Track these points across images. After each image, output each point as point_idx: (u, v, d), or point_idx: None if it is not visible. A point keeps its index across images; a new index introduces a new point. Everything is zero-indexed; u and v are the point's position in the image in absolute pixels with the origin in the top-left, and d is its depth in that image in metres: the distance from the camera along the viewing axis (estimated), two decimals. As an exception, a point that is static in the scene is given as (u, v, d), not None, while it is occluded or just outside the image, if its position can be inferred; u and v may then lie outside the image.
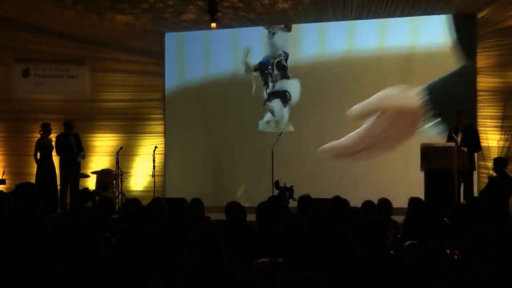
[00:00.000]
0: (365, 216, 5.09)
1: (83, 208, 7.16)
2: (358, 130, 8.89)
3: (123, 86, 11.32)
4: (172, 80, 11.51)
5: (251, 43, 11.02)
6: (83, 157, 10.06)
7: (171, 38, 11.54)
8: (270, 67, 7.70)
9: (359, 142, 8.55)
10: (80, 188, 10.11)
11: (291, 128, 8.56)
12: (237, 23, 10.80)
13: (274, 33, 7.76)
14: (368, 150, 8.96)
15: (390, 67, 10.34)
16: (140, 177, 11.21)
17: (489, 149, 9.29)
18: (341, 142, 8.54)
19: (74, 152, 9.92)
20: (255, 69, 7.75)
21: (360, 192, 8.13)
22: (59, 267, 2.47)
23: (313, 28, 10.59)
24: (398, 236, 5.28)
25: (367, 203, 5.79)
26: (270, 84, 7.95)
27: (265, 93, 8.14)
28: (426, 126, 9.31)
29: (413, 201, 5.84)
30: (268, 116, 7.41)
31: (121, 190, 10.35)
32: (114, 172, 10.36)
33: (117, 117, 11.27)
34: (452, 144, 8.28)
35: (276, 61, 7.69)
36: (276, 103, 7.37)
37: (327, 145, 8.77)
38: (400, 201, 6.22)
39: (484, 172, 9.36)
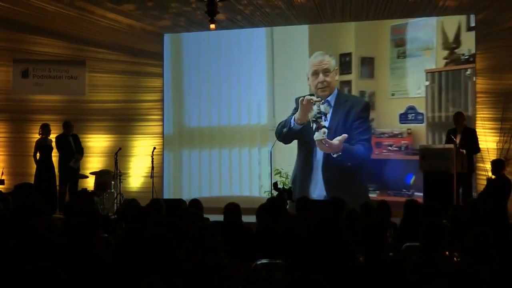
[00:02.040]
0: (364, 217, 5.10)
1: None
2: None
3: (122, 87, 11.32)
4: (171, 82, 11.51)
5: (251, 43, 11.15)
6: (76, 162, 10.05)
7: (170, 39, 11.54)
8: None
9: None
10: (79, 188, 10.11)
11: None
12: (236, 25, 10.83)
13: (319, 105, 9.93)
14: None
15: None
16: (138, 178, 11.21)
17: (488, 151, 9.29)
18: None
19: (74, 152, 9.94)
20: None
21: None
22: (57, 269, 2.46)
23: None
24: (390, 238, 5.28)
25: (366, 205, 5.79)
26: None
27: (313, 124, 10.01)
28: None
29: (409, 203, 5.84)
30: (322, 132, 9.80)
31: (120, 190, 10.34)
32: (112, 173, 10.36)
33: (116, 118, 11.26)
34: (451, 146, 8.29)
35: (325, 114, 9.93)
36: (325, 129, 9.77)
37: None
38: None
39: (482, 174, 9.36)
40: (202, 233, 3.37)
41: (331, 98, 9.97)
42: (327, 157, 9.85)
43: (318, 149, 9.97)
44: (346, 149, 9.54)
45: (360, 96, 10.45)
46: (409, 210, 5.68)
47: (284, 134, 9.96)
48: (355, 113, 9.79)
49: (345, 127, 9.72)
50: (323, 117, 9.73)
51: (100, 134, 11.21)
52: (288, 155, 10.02)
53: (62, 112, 10.88)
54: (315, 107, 9.73)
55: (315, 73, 10.13)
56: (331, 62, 10.21)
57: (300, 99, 9.87)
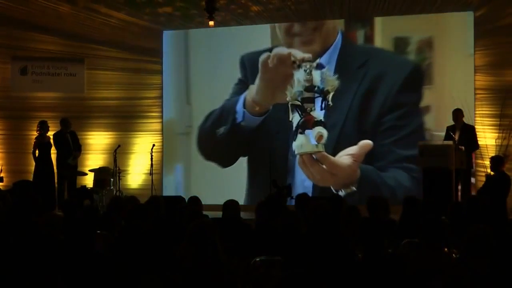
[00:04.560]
0: (369, 213, 5.09)
1: (81, 206, 7.16)
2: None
3: (121, 84, 11.31)
4: (170, 78, 11.51)
5: (250, 41, 11.15)
6: (74, 160, 10.05)
7: (169, 36, 11.54)
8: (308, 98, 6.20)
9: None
10: (78, 186, 10.11)
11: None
12: (236, 22, 10.81)
13: (311, 71, 6.44)
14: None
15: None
16: (137, 175, 11.20)
17: (486, 147, 9.30)
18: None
19: (71, 150, 9.94)
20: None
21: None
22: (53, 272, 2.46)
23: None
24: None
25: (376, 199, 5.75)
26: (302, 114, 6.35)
27: (297, 121, 6.41)
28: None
29: (408, 199, 5.83)
30: (314, 140, 5.61)
31: (119, 188, 10.33)
32: (112, 170, 10.35)
33: (115, 115, 11.26)
34: (450, 142, 8.29)
35: (318, 95, 6.34)
36: (321, 130, 5.79)
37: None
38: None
39: (481, 170, 9.37)
40: (200, 230, 3.37)
41: (327, 57, 5.79)
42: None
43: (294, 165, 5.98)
44: (368, 179, 5.44)
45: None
46: (408, 207, 5.67)
47: (220, 137, 6.17)
48: (391, 89, 5.47)
49: (363, 118, 5.72)
50: (321, 100, 5.44)
51: (99, 131, 11.21)
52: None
53: (61, 109, 10.86)
54: (299, 75, 5.66)
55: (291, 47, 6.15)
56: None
57: (263, 56, 5.68)
